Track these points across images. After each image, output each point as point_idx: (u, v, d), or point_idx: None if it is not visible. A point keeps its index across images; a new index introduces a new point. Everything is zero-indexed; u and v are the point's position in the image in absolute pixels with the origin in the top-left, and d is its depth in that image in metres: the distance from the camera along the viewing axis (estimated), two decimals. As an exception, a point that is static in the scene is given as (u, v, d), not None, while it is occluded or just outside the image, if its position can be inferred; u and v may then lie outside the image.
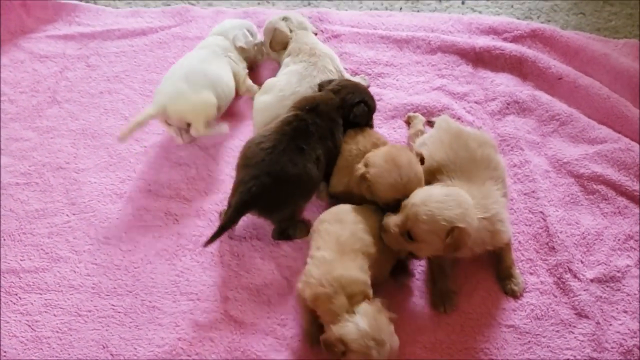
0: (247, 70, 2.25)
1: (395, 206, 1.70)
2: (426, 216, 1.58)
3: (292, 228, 1.91)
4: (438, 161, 1.79)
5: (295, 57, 2.13)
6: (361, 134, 1.94)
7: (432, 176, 1.78)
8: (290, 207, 1.85)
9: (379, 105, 2.22)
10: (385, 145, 1.91)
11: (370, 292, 1.60)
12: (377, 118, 2.18)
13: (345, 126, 1.96)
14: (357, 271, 1.61)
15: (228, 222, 1.78)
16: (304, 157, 1.81)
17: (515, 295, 1.78)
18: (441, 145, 1.83)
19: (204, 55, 2.14)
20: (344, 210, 1.78)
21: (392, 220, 1.66)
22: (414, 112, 2.18)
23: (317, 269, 1.62)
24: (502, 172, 1.78)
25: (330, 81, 2.03)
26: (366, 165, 1.77)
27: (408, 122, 2.16)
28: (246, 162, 1.82)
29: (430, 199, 1.60)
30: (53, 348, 1.75)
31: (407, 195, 1.68)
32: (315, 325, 1.65)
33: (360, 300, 1.56)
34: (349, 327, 1.51)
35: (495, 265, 1.81)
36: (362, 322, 1.51)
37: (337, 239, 1.67)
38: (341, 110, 1.95)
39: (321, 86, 2.03)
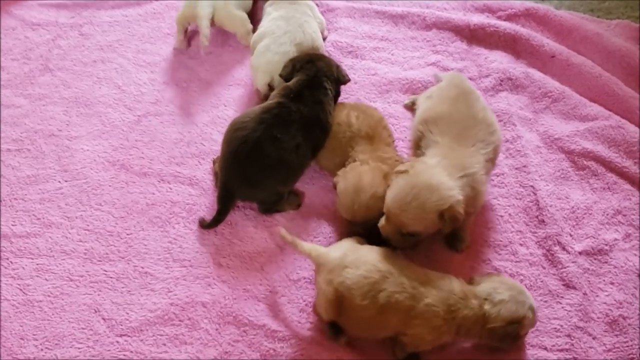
0: None
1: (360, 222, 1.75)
2: (413, 218, 1.61)
3: (279, 203, 1.91)
4: (438, 113, 1.77)
5: (277, 4, 2.17)
6: (355, 114, 1.92)
7: (426, 127, 1.77)
8: (269, 193, 1.86)
9: (373, 79, 2.23)
10: (380, 122, 1.92)
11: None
12: (371, 92, 2.19)
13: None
14: (442, 281, 1.59)
15: (219, 214, 1.85)
16: (279, 145, 1.80)
17: (455, 249, 1.83)
18: (447, 99, 1.81)
19: None
20: (366, 282, 1.55)
21: (388, 231, 1.66)
22: (408, 86, 2.18)
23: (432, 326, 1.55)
24: (496, 139, 1.77)
25: (296, 59, 1.98)
26: (342, 175, 1.80)
27: (411, 107, 2.14)
28: (224, 148, 1.85)
29: (405, 200, 1.60)
30: (45, 311, 1.75)
31: (356, 220, 1.74)
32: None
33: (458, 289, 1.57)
34: (497, 309, 1.53)
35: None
36: (500, 294, 1.55)
37: (404, 300, 1.55)
38: (336, 82, 1.95)
39: (293, 63, 1.96)
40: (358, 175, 1.77)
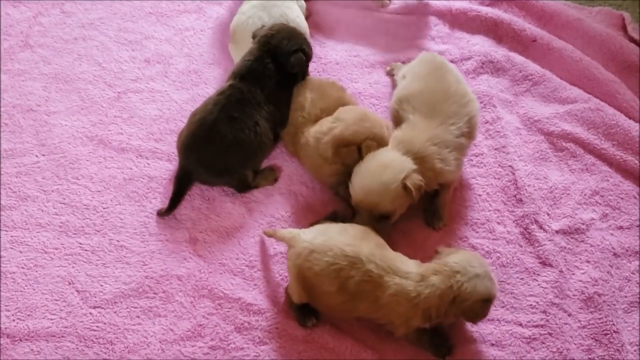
0: None
1: None
2: (379, 196, 1.65)
3: (255, 179, 1.90)
4: (410, 91, 1.82)
5: None
6: (310, 97, 1.90)
7: (400, 105, 1.82)
8: (233, 175, 1.85)
9: (356, 61, 2.23)
10: (336, 102, 1.89)
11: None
12: (353, 73, 2.19)
13: (284, 77, 1.92)
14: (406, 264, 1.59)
15: (174, 195, 1.83)
16: (236, 125, 1.80)
17: (433, 227, 1.84)
18: (418, 76, 1.86)
19: None
20: (333, 269, 1.54)
21: (362, 221, 1.68)
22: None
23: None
24: (470, 110, 1.80)
25: (263, 28, 1.97)
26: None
27: (391, 74, 2.16)
28: (183, 132, 1.86)
29: (369, 184, 1.66)
30: (18, 283, 1.73)
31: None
32: None
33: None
34: (472, 283, 1.50)
35: (428, 199, 1.83)
36: (474, 268, 1.52)
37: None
38: (273, 64, 1.89)
39: (254, 35, 1.96)
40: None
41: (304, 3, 2.27)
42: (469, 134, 1.80)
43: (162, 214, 1.84)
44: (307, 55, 1.95)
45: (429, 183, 1.72)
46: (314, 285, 1.56)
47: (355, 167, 1.70)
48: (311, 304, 1.63)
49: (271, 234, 1.69)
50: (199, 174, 1.83)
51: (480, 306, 1.52)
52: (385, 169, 1.65)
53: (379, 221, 1.69)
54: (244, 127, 1.80)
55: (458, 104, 1.78)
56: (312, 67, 2.16)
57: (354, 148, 1.73)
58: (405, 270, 1.54)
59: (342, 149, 1.74)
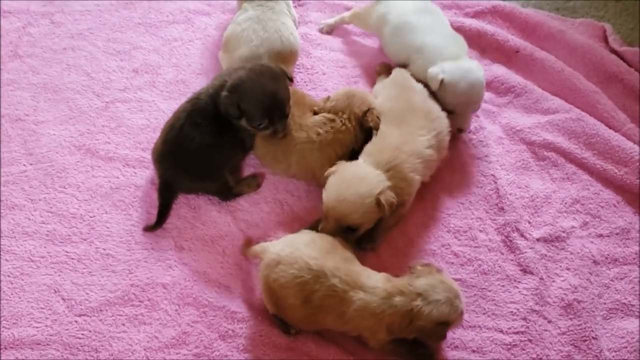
0: None
1: None
2: (350, 207, 1.67)
3: (237, 186, 1.92)
4: (380, 110, 1.89)
5: (253, 1, 2.12)
6: None
7: None
8: (212, 177, 1.87)
9: (342, 71, 2.24)
10: (310, 103, 1.95)
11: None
12: (340, 83, 2.21)
13: None
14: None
15: (161, 207, 1.85)
16: (202, 129, 1.83)
17: (364, 249, 1.82)
18: (388, 97, 1.92)
19: None
20: (297, 282, 1.56)
21: (329, 230, 1.71)
22: (375, 78, 2.22)
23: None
24: (438, 126, 1.86)
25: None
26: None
27: (379, 73, 2.19)
28: (158, 141, 1.89)
29: (339, 192, 1.69)
30: (3, 291, 1.75)
31: None
32: None
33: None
34: (430, 307, 1.50)
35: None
36: (437, 293, 1.51)
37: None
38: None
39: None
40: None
41: (296, 14, 2.30)
42: (438, 148, 1.85)
43: (150, 228, 1.85)
44: (240, 94, 1.81)
45: (401, 193, 1.75)
46: (280, 297, 1.58)
47: (334, 175, 1.73)
48: (280, 316, 1.65)
49: (245, 253, 1.75)
50: (178, 179, 1.85)
51: (434, 328, 1.52)
52: (361, 182, 1.68)
53: (345, 232, 1.71)
54: (207, 132, 1.82)
55: (425, 119, 1.84)
56: (300, 77, 2.20)
57: (373, 109, 1.84)
58: (371, 286, 1.56)
59: (366, 117, 1.84)
